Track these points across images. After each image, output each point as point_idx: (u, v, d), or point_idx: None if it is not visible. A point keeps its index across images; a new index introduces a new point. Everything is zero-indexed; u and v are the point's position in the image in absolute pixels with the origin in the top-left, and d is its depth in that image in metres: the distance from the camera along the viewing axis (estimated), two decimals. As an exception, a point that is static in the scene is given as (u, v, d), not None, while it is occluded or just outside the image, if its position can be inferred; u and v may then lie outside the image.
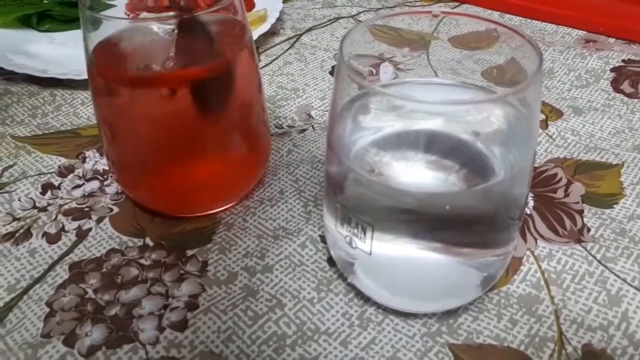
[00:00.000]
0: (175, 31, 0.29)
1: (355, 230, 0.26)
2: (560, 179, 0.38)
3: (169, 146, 0.32)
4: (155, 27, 0.31)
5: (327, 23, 0.60)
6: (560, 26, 0.59)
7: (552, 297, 0.30)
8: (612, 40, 0.55)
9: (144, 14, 0.36)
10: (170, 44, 0.30)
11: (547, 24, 0.59)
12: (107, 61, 0.31)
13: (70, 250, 0.33)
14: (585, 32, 0.57)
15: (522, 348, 0.28)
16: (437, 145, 0.27)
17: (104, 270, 0.32)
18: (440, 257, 0.27)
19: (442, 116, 0.26)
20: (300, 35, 0.58)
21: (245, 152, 0.35)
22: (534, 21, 0.60)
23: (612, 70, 0.50)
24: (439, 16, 0.28)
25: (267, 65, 0.52)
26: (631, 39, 0.55)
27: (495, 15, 0.62)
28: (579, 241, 0.33)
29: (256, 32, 0.53)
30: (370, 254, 0.26)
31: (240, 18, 0.32)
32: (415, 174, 0.27)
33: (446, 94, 0.30)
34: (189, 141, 0.32)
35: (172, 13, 0.34)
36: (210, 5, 0.30)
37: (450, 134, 0.27)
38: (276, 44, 0.56)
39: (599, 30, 0.56)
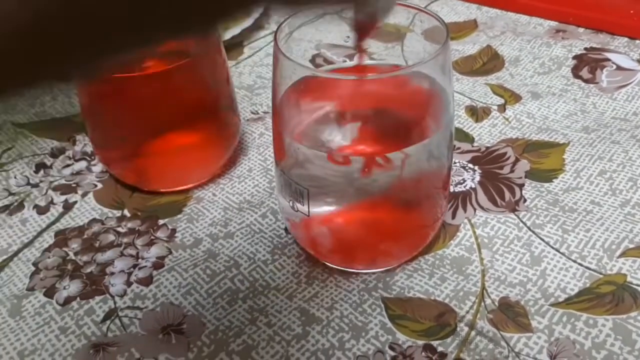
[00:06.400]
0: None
1: (295, 194, 0.30)
2: (509, 157, 0.41)
3: (145, 130, 0.37)
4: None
5: (314, 19, 0.64)
6: (533, 17, 0.61)
7: (482, 259, 0.33)
8: (581, 29, 0.58)
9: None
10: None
11: (521, 15, 0.62)
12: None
13: (57, 220, 0.38)
14: (556, 23, 0.60)
15: (446, 300, 0.31)
16: (371, 119, 0.31)
17: (85, 236, 0.36)
18: (371, 218, 0.30)
19: (371, 93, 0.30)
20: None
21: (212, 135, 0.39)
22: (509, 13, 0.63)
23: (574, 57, 0.53)
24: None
25: (249, 57, 0.56)
26: (598, 29, 0.57)
27: (473, 7, 0.65)
28: (513, 210, 0.36)
29: (239, 27, 0.56)
30: (309, 215, 0.30)
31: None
32: (352, 143, 0.31)
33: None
34: (161, 127, 0.37)
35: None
36: None
37: (381, 108, 0.31)
38: (261, 37, 0.60)
39: (568, 21, 0.59)
